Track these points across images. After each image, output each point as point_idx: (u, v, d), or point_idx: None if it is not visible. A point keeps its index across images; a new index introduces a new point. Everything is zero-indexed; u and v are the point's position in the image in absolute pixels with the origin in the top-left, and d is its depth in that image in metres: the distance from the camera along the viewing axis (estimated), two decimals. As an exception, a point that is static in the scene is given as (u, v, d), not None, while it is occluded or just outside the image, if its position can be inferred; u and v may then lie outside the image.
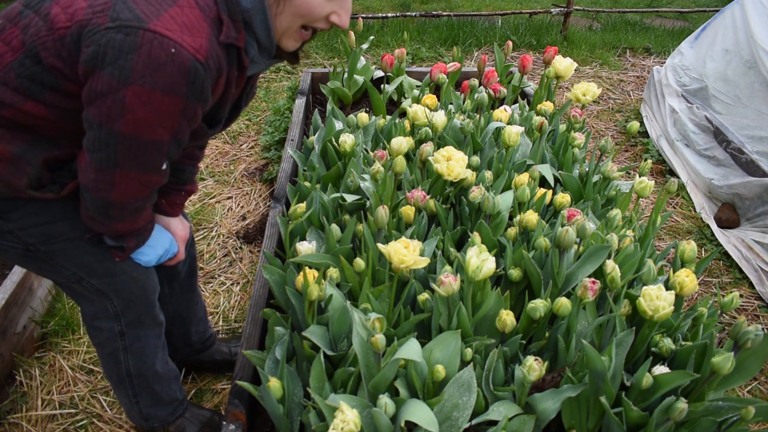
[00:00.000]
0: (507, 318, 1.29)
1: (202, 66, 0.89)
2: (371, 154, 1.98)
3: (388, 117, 2.39)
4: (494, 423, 1.21)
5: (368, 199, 1.74)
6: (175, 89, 0.89)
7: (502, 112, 2.22)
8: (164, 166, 1.02)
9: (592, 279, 1.30)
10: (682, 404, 1.11)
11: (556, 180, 2.04)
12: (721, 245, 2.46)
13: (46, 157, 1.02)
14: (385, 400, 1.08)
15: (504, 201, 1.67)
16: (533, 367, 1.17)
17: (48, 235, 1.11)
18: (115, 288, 1.21)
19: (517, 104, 2.53)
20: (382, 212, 1.43)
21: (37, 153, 1.01)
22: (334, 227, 1.59)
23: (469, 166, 1.84)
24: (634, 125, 2.07)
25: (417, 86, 3.02)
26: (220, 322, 1.97)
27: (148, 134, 0.93)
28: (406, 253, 1.25)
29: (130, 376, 1.34)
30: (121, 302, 1.23)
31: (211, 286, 2.09)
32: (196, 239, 2.17)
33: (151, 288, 1.27)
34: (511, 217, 1.75)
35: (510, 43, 2.92)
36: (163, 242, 1.25)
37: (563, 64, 2.36)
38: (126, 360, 1.31)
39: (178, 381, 1.47)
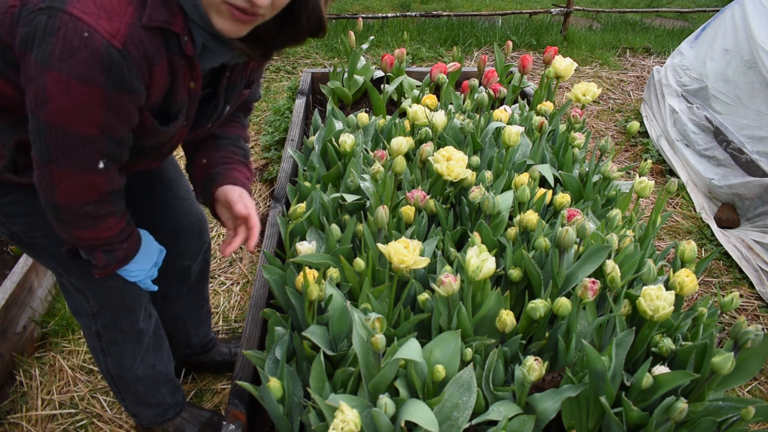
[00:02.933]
0: (507, 318, 1.29)
1: (118, 52, 0.83)
2: (371, 154, 1.98)
3: (388, 117, 2.39)
4: (494, 423, 1.21)
5: (368, 199, 1.74)
6: (91, 77, 0.83)
7: (502, 112, 2.22)
8: (101, 165, 0.94)
9: (592, 279, 1.30)
10: (682, 404, 1.11)
11: (556, 180, 2.04)
12: (721, 245, 2.46)
13: (19, 140, 1.00)
14: (385, 400, 1.08)
15: (504, 201, 1.67)
16: (533, 367, 1.17)
17: (29, 226, 1.10)
18: (91, 289, 1.20)
19: (517, 104, 2.53)
20: (382, 212, 1.43)
21: (11, 136, 1.00)
22: (334, 227, 1.59)
23: (469, 166, 1.84)
24: (634, 125, 2.07)
25: (417, 86, 3.02)
26: (220, 322, 1.97)
27: (72, 126, 0.88)
28: (406, 253, 1.25)
29: (111, 375, 1.34)
30: (97, 303, 1.22)
31: (211, 286, 2.09)
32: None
33: (129, 296, 1.23)
34: (511, 217, 1.75)
35: (510, 43, 2.92)
36: (150, 255, 1.20)
37: (563, 64, 2.36)
38: (105, 360, 1.31)
39: (171, 385, 1.44)
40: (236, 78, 1.11)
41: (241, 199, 1.18)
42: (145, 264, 1.19)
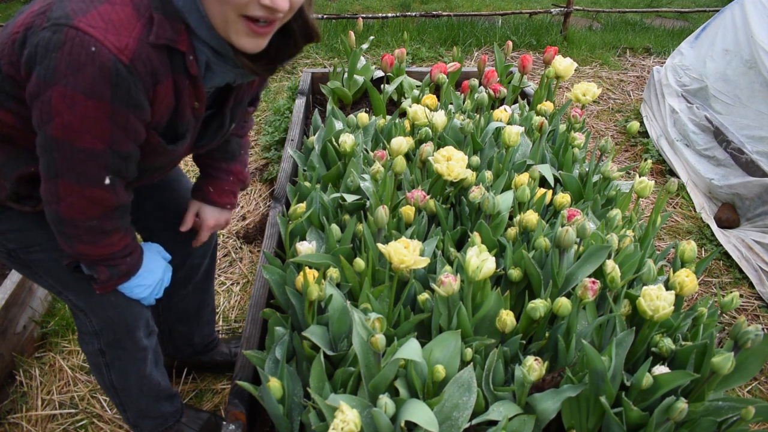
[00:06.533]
0: (507, 318, 1.29)
1: (126, 68, 0.83)
2: (371, 154, 1.98)
3: (388, 117, 2.39)
4: (494, 423, 1.21)
5: (368, 199, 1.74)
6: (98, 92, 0.83)
7: (502, 112, 2.22)
8: (107, 181, 0.95)
9: (592, 279, 1.30)
10: (682, 404, 1.11)
11: (556, 180, 2.04)
12: (721, 245, 2.46)
13: (21, 174, 1.00)
14: (385, 400, 1.08)
15: (504, 201, 1.67)
16: (533, 367, 1.17)
17: (25, 242, 1.09)
18: (92, 308, 1.18)
19: (517, 104, 2.53)
20: (382, 212, 1.43)
21: (13, 169, 1.00)
22: (334, 227, 1.59)
23: (469, 166, 1.84)
24: (634, 125, 2.07)
25: (417, 86, 3.02)
26: (220, 322, 1.97)
27: (77, 141, 0.87)
28: (406, 253, 1.25)
29: (114, 388, 1.33)
30: (99, 322, 1.19)
31: (211, 286, 2.09)
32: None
33: (131, 315, 1.21)
34: (511, 217, 1.74)
35: (510, 43, 2.92)
36: (154, 272, 1.19)
37: (563, 64, 2.36)
38: (109, 374, 1.29)
39: (171, 398, 1.44)
40: (242, 97, 1.12)
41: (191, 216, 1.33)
42: (147, 280, 1.17)
